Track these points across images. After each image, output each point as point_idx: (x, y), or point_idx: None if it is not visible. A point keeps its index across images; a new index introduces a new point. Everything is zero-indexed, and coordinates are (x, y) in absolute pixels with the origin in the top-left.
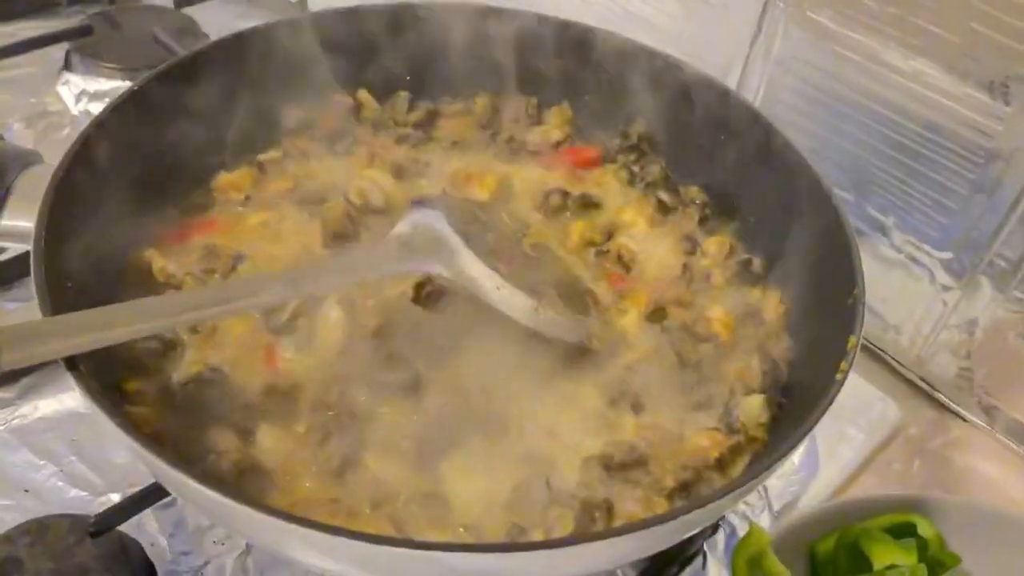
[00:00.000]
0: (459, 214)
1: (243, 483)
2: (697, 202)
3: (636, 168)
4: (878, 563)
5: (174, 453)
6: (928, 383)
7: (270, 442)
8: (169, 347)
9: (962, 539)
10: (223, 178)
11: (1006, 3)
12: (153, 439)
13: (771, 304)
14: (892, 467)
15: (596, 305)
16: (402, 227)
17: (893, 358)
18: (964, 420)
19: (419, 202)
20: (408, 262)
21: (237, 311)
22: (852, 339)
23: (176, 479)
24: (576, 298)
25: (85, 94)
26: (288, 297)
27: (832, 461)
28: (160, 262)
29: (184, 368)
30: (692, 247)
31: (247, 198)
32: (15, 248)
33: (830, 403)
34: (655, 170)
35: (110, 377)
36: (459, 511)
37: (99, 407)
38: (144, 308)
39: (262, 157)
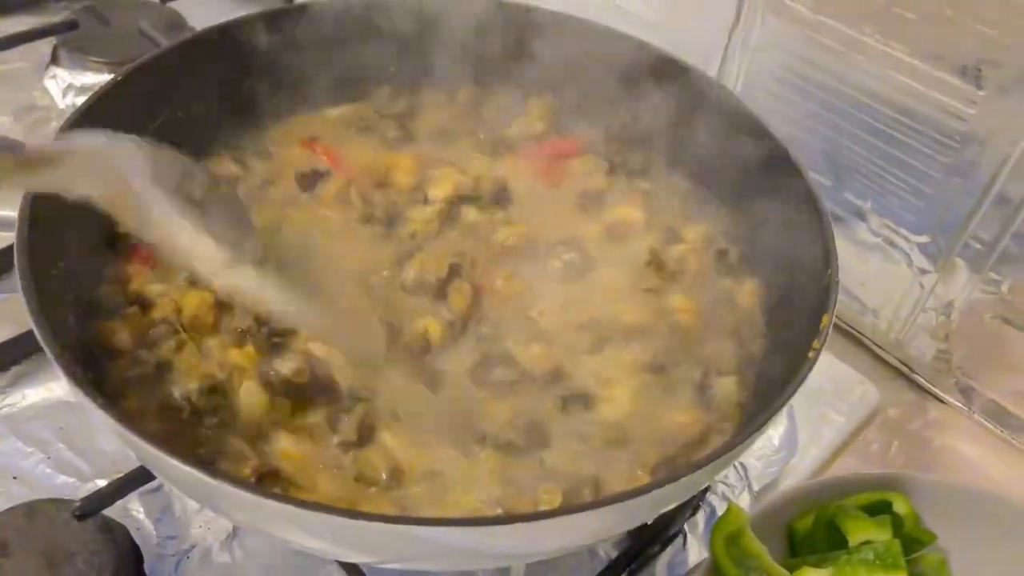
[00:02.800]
0: (168, 161)
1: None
2: (678, 191)
3: (618, 158)
4: (853, 539)
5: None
6: (906, 365)
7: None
8: (162, 368)
9: (938, 517)
10: None
11: None
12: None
13: (744, 292)
14: (871, 448)
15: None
16: (83, 138)
17: (872, 341)
18: (942, 402)
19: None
20: (57, 177)
21: None
22: (825, 317)
23: (158, 459)
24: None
25: (72, 88)
26: None
27: (812, 443)
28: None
29: (183, 383)
30: (670, 236)
31: None
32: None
33: (803, 379)
34: (637, 159)
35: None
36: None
37: (83, 393)
38: None
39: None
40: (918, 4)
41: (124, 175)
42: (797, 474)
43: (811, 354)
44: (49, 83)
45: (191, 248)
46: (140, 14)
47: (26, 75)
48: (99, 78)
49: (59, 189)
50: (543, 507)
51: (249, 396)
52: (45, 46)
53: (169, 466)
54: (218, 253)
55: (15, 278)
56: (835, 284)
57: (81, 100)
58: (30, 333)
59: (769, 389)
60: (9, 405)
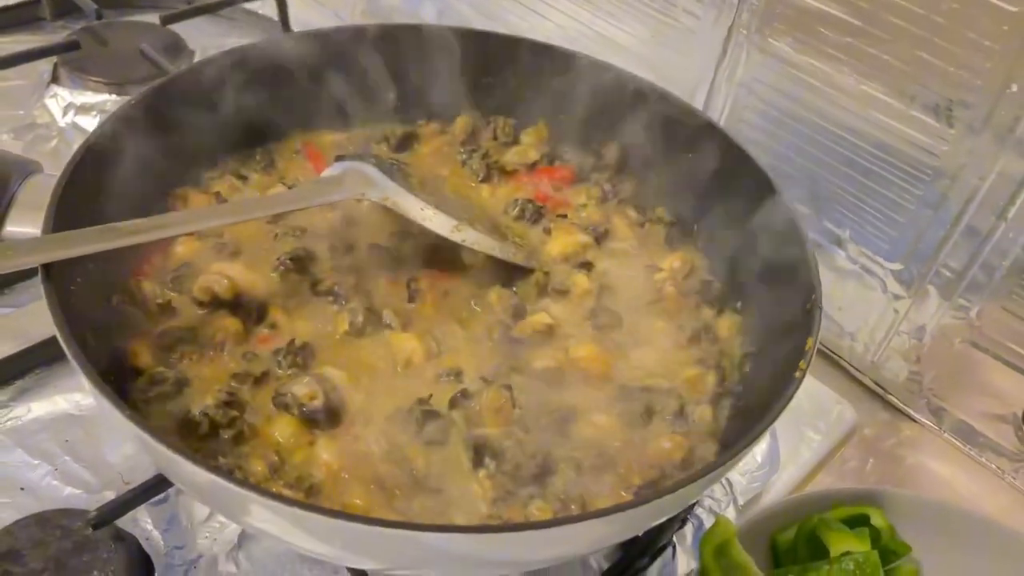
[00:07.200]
0: (382, 163)
1: None
2: (664, 221)
3: (609, 187)
4: (834, 550)
5: None
6: (881, 386)
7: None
8: (181, 384)
9: (912, 530)
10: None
11: (951, 34)
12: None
13: (725, 324)
14: (848, 465)
15: (518, 237)
16: (332, 171)
17: (849, 363)
18: (914, 421)
19: (343, 157)
20: (344, 191)
21: (203, 229)
22: (810, 340)
23: (181, 465)
24: (494, 229)
25: (72, 107)
26: (242, 219)
27: (792, 460)
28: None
29: (200, 399)
30: (654, 266)
31: None
32: None
33: (790, 398)
34: (627, 188)
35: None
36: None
37: (107, 399)
38: (119, 228)
39: (244, 171)
40: (894, 47)
41: (380, 182)
42: (778, 489)
43: (798, 374)
44: (49, 101)
45: (432, 220)
46: (140, 35)
47: (26, 93)
48: (99, 97)
49: (351, 197)
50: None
51: (280, 425)
52: (45, 64)
53: (192, 473)
54: (449, 220)
55: (16, 293)
56: (819, 308)
57: (81, 119)
58: (31, 350)
59: (753, 409)
60: (14, 418)
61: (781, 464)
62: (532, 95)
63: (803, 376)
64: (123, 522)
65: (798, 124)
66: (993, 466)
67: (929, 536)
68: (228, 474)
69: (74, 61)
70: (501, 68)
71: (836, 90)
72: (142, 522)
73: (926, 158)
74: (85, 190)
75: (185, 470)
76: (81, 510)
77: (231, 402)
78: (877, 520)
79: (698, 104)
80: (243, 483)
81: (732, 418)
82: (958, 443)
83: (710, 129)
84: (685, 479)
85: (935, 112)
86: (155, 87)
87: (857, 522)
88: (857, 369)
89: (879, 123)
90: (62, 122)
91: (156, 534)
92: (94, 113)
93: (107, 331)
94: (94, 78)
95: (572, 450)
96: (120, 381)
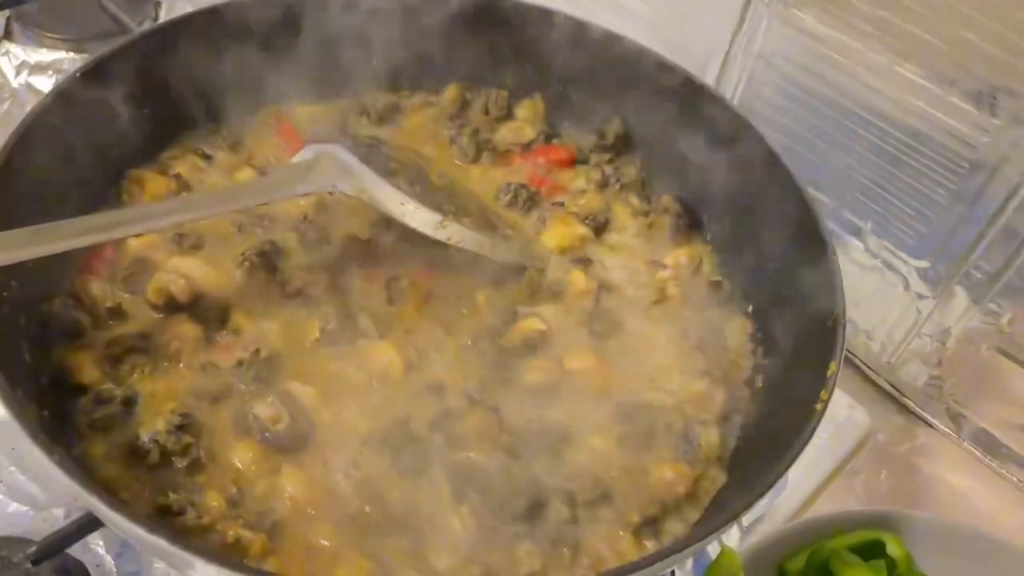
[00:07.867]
0: (359, 146)
1: None
2: (670, 210)
3: (610, 170)
4: None
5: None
6: (897, 389)
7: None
8: (130, 402)
9: (931, 557)
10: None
11: (999, 14)
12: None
13: (734, 330)
14: (860, 476)
15: (510, 228)
16: (305, 154)
17: (863, 363)
18: (931, 427)
19: (316, 141)
20: (313, 182)
21: (158, 229)
22: (832, 365)
23: (115, 519)
24: (484, 221)
25: (26, 66)
26: (202, 216)
27: (800, 468)
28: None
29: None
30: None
31: None
32: None
33: (811, 435)
34: (630, 172)
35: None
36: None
37: (33, 441)
38: (61, 228)
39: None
40: (934, 26)
41: (356, 170)
42: (787, 502)
43: (818, 406)
44: (1, 60)
45: (414, 216)
46: None
47: None
48: (56, 55)
49: (321, 190)
50: (523, 568)
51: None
52: None
53: (130, 529)
54: (432, 216)
55: None
56: (842, 328)
57: (36, 79)
58: None
59: (765, 435)
60: None
61: (788, 476)
62: (527, 64)
63: (824, 408)
64: (74, 547)
65: (820, 104)
66: (1014, 479)
67: (949, 564)
68: (170, 532)
69: (29, 15)
70: (494, 33)
71: (866, 69)
72: (93, 545)
73: (964, 149)
74: (26, 177)
75: (121, 524)
76: (24, 539)
77: (185, 426)
78: (893, 548)
79: (710, 77)
80: (187, 546)
81: (741, 443)
82: (978, 453)
83: (724, 110)
84: (693, 538)
85: (977, 100)
86: (107, 55)
87: (871, 549)
88: (872, 369)
89: (913, 108)
90: (15, 83)
91: (108, 559)
92: (50, 73)
93: (47, 341)
94: (50, 34)
95: (565, 480)
96: (62, 400)
